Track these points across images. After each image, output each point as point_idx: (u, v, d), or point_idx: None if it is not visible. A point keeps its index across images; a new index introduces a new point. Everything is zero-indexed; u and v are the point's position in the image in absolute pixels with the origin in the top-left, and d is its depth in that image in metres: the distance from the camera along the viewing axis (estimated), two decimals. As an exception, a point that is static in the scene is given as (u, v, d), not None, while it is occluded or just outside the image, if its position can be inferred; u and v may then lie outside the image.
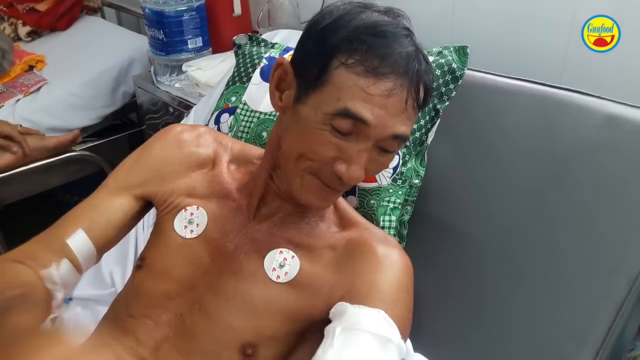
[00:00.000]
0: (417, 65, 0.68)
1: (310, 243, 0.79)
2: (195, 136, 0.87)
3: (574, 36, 1.11)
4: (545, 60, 1.18)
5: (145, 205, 0.85)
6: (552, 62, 1.17)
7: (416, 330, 0.83)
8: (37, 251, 0.76)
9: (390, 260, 0.76)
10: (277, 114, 1.03)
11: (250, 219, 0.81)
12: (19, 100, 1.74)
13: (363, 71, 0.66)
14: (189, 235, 0.79)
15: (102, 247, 0.81)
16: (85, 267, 0.79)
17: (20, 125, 1.50)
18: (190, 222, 0.80)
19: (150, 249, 0.82)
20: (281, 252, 0.77)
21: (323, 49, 0.69)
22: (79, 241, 0.78)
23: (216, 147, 0.87)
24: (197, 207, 0.81)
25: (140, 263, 0.82)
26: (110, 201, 0.82)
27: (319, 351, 0.66)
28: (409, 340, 0.87)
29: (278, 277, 0.75)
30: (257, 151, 0.87)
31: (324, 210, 0.81)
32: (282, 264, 0.76)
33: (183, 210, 0.81)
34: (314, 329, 0.75)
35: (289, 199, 0.79)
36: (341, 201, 0.86)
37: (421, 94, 0.70)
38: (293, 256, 0.77)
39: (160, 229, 0.82)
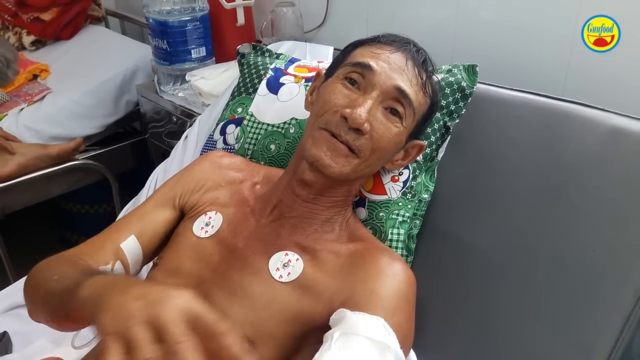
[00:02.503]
0: (417, 48, 0.85)
1: (316, 248, 0.82)
2: (232, 161, 0.98)
3: (577, 43, 1.12)
4: (548, 69, 1.18)
5: (182, 215, 0.92)
6: (555, 70, 1.17)
7: (422, 341, 0.84)
8: (93, 252, 0.82)
9: (393, 270, 0.78)
10: (285, 126, 1.06)
11: (262, 222, 0.85)
12: (22, 109, 1.74)
13: (374, 44, 0.85)
14: (203, 235, 0.85)
15: (147, 254, 0.88)
16: (132, 271, 0.85)
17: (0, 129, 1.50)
18: (207, 224, 0.87)
19: (168, 248, 0.88)
20: (287, 254, 0.81)
21: (347, 48, 0.88)
22: (130, 245, 0.85)
23: (247, 172, 0.96)
24: (216, 212, 0.88)
25: (157, 261, 0.88)
26: (157, 213, 0.91)
27: (317, 355, 0.67)
28: (412, 352, 0.87)
29: (281, 276, 0.79)
30: (281, 172, 0.92)
31: (330, 172, 0.79)
32: (285, 264, 0.79)
33: (203, 214, 0.88)
34: (314, 336, 0.75)
35: (301, 195, 0.83)
36: (352, 220, 0.90)
37: (422, 69, 0.83)
38: (297, 259, 0.80)
39: (180, 232, 0.88)
